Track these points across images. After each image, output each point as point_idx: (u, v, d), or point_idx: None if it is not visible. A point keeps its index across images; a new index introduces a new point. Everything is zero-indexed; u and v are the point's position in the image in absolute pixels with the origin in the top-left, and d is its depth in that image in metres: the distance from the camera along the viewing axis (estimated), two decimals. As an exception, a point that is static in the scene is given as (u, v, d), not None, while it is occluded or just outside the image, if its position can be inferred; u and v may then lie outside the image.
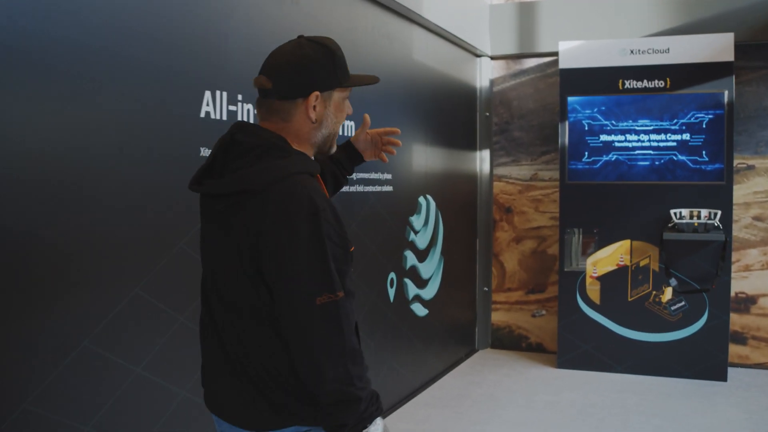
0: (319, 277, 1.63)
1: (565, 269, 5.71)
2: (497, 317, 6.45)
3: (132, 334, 2.68)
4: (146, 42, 2.71)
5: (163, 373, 2.81)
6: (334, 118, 1.83)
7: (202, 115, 3.00)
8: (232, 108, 3.16)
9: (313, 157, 1.85)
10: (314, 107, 1.76)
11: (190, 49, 2.93)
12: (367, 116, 2.27)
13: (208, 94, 3.02)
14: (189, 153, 2.94)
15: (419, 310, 5.15)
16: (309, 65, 1.75)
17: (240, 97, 3.21)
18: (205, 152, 3.00)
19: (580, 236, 5.68)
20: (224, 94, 3.11)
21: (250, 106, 3.26)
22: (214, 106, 3.06)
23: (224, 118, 3.11)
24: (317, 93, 1.76)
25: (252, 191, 1.68)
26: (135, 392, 2.69)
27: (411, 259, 4.99)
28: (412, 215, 5.01)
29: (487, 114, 6.36)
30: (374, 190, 4.46)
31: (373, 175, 4.44)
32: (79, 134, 2.46)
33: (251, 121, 3.27)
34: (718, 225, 5.30)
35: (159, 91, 2.78)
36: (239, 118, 3.21)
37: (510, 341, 6.41)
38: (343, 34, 4.03)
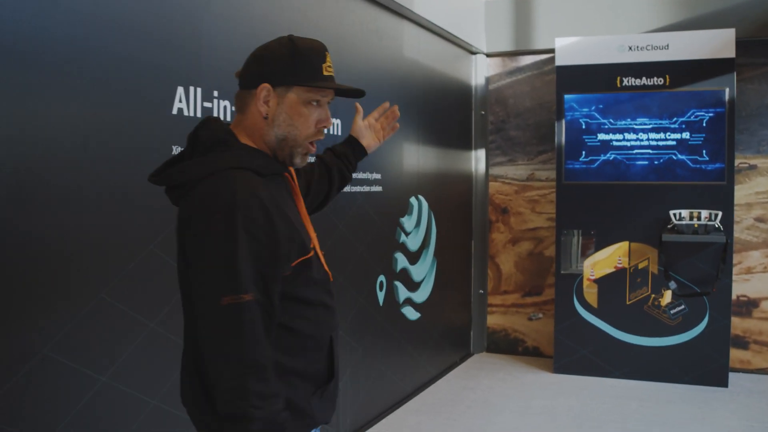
0: (225, 275, 1.55)
1: (562, 271, 5.57)
2: (493, 320, 6.31)
3: (97, 342, 2.54)
4: (114, 33, 2.58)
5: (131, 381, 2.68)
6: (290, 121, 1.73)
7: (174, 111, 2.86)
8: (207, 105, 3.03)
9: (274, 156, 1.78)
10: (266, 102, 1.71)
11: (163, 42, 2.80)
12: (358, 104, 2.21)
13: (180, 89, 2.89)
14: (159, 151, 2.80)
15: (411, 313, 5.02)
16: (265, 56, 1.73)
17: (216, 93, 3.08)
18: (176, 150, 2.87)
19: (580, 238, 5.54)
20: (198, 90, 2.98)
21: (227, 103, 3.13)
22: (187, 102, 2.92)
23: (198, 114, 2.98)
24: (267, 85, 1.70)
25: (188, 185, 1.66)
26: (100, 402, 2.55)
27: (402, 261, 4.85)
28: (402, 216, 4.88)
29: (483, 112, 6.22)
30: (362, 190, 4.32)
31: (361, 175, 4.30)
32: (40, 129, 2.32)
33: (228, 118, 3.14)
34: (719, 226, 5.16)
35: (127, 86, 2.65)
36: (215, 115, 3.08)
37: (506, 345, 6.27)
38: (327, 28, 3.90)
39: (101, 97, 2.53)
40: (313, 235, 1.81)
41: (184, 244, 1.67)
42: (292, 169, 1.88)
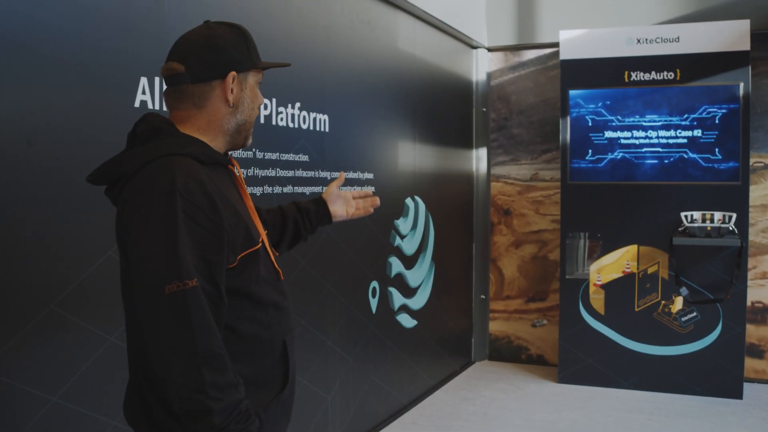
0: (166, 262, 1.46)
1: (567, 276, 5.31)
2: (495, 327, 6.04)
3: (46, 358, 2.29)
4: (66, 13, 2.33)
5: (87, 401, 2.43)
6: (251, 103, 1.75)
7: (137, 104, 2.61)
8: (176, 97, 2.78)
9: (224, 150, 1.75)
10: (232, 90, 1.69)
11: (124, 27, 2.55)
12: (342, 173, 2.27)
13: (144, 80, 2.64)
14: (119, 147, 2.54)
15: (406, 321, 4.75)
16: (224, 45, 1.69)
17: (185, 84, 2.82)
18: (140, 147, 2.62)
19: (586, 241, 5.26)
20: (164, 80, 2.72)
21: (198, 96, 2.87)
22: (152, 94, 2.67)
23: (164, 108, 2.72)
24: (234, 73, 1.68)
25: (125, 176, 1.59)
26: (51, 426, 2.30)
27: (397, 266, 4.59)
28: (397, 218, 4.62)
29: (484, 110, 5.96)
30: (352, 190, 4.05)
31: (352, 174, 4.04)
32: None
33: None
34: (733, 229, 4.88)
35: (81, 74, 2.40)
36: (185, 109, 2.83)
37: (509, 353, 6.00)
38: (313, 17, 3.64)
39: (50, 87, 2.29)
40: (262, 231, 1.73)
41: (122, 239, 1.58)
42: (236, 163, 1.80)
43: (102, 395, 2.48)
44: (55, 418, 2.32)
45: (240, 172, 1.80)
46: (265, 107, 3.28)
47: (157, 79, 2.68)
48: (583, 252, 5.31)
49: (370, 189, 2.24)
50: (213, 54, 1.67)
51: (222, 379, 1.47)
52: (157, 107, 2.68)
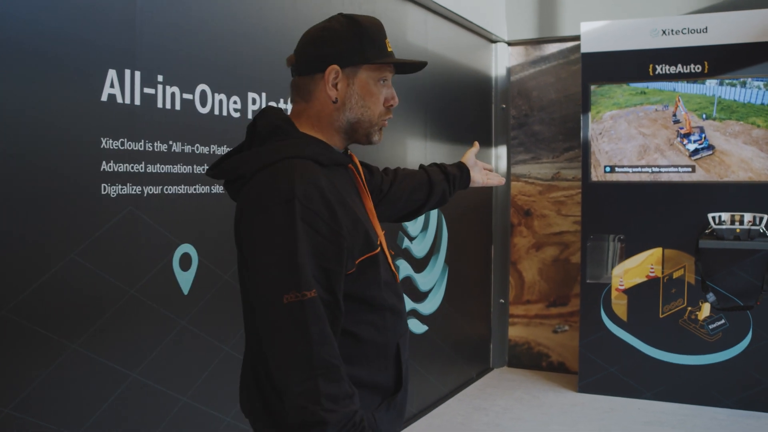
0: (285, 272, 1.45)
1: (588, 280, 5.05)
2: (515, 332, 5.80)
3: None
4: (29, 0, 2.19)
5: (44, 414, 2.29)
6: (362, 101, 1.66)
7: (104, 98, 2.47)
8: (149, 91, 2.63)
9: (343, 146, 1.72)
10: (335, 85, 1.63)
11: (91, 14, 2.41)
12: (476, 142, 2.36)
13: (112, 73, 2.49)
14: (85, 144, 2.42)
15: (416, 326, 4.56)
16: (330, 38, 1.63)
17: (161, 77, 2.67)
18: (107, 143, 2.47)
19: (616, 243, 4.98)
20: (137, 73, 2.57)
21: (175, 89, 2.72)
22: (121, 87, 2.52)
23: (137, 102, 2.58)
24: (336, 67, 1.62)
25: (243, 177, 1.59)
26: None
27: (405, 269, 4.40)
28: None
29: (504, 106, 5.72)
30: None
31: (353, 173, 3.86)
32: None
33: (177, 106, 2.74)
34: (764, 231, 4.57)
35: (45, 66, 2.27)
36: (161, 103, 2.68)
37: (529, 359, 5.76)
38: (309, 8, 3.46)
39: (7, 77, 2.15)
40: (380, 232, 1.72)
41: (241, 242, 1.59)
42: (357, 163, 1.78)
43: (61, 407, 2.34)
44: (7, 429, 2.19)
45: (362, 172, 1.77)
46: (254, 102, 3.12)
47: (127, 72, 2.53)
48: (606, 255, 5.05)
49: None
50: (316, 46, 1.64)
51: (337, 390, 1.46)
52: (127, 101, 2.53)
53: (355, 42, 1.63)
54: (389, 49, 1.70)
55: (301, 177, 1.51)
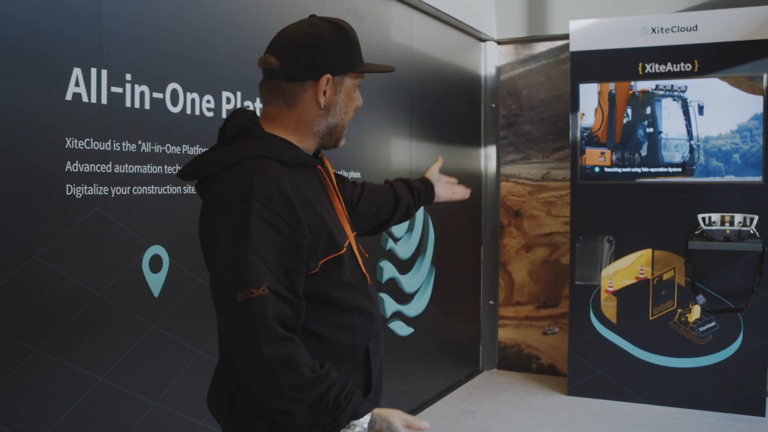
0: (237, 270, 1.46)
1: (577, 282, 4.99)
2: (505, 334, 5.74)
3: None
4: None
5: (4, 421, 2.23)
6: (344, 107, 1.71)
7: (69, 97, 2.41)
8: (117, 90, 2.57)
9: (314, 149, 1.73)
10: (324, 92, 1.65)
11: (56, 9, 2.35)
12: (439, 157, 2.36)
13: (77, 71, 2.43)
14: (48, 144, 2.36)
15: (401, 329, 4.49)
16: (322, 46, 1.64)
17: (129, 76, 2.61)
18: (72, 143, 2.42)
19: (609, 244, 4.92)
20: (104, 72, 2.52)
21: (144, 88, 2.67)
22: (87, 86, 2.46)
23: (104, 101, 2.52)
24: (329, 76, 1.65)
25: (209, 178, 1.61)
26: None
27: (389, 270, 4.34)
28: (390, 220, 4.35)
29: (493, 106, 5.66)
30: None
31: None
32: None
33: (145, 105, 2.68)
34: (755, 232, 4.51)
35: (6, 63, 2.21)
36: (129, 103, 2.62)
37: (519, 361, 5.70)
38: (289, 3, 3.40)
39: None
40: (349, 233, 1.71)
41: (205, 243, 1.62)
42: (328, 165, 1.79)
43: (24, 414, 2.28)
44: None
45: (331, 173, 1.78)
46: (228, 101, 3.06)
47: (93, 70, 2.48)
48: (596, 256, 4.98)
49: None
50: (309, 54, 1.63)
51: (297, 379, 1.46)
52: (93, 101, 2.48)
53: (344, 50, 1.66)
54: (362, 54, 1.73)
55: (262, 176, 1.52)
